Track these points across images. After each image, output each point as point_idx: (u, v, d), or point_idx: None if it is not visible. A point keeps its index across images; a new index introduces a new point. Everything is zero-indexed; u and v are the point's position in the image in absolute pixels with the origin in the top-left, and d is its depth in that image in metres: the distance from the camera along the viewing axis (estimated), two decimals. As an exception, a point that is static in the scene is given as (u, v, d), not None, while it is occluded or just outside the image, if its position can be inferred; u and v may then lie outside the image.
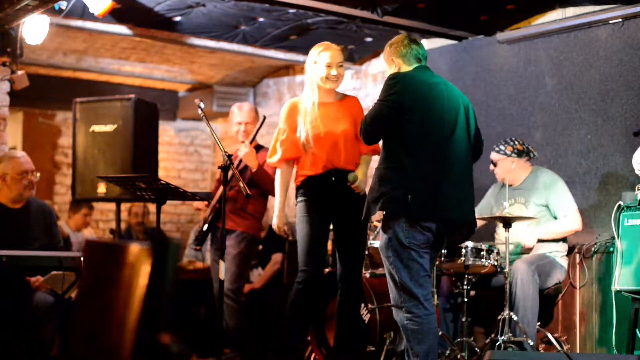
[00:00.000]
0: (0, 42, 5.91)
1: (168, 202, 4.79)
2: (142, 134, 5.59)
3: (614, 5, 5.46)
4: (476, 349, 5.11)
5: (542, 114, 5.92)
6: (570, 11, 5.77)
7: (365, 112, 4.22)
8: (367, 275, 5.33)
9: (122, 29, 6.47)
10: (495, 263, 5.08)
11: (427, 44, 6.55)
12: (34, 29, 5.70)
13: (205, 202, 5.46)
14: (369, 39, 6.80)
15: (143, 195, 4.71)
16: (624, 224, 4.82)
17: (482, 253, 5.04)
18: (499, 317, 4.90)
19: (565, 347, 5.15)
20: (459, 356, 4.98)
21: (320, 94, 4.62)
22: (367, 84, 7.42)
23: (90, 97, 5.79)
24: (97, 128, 5.62)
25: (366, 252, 5.07)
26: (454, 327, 5.39)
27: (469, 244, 5.00)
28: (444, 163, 4.00)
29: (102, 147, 5.58)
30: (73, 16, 5.99)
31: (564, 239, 5.28)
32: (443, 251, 4.96)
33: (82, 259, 3.95)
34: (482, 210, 5.47)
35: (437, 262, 4.88)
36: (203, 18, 6.26)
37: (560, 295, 5.48)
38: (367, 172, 4.63)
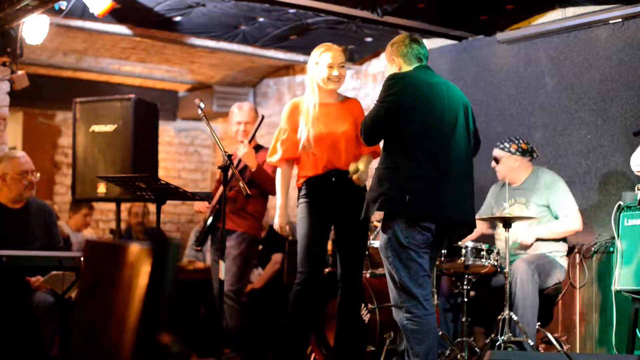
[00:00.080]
0: (0, 42, 5.91)
1: (168, 202, 4.80)
2: (142, 134, 5.59)
3: (614, 5, 5.46)
4: (476, 349, 5.11)
5: (542, 114, 5.92)
6: (570, 11, 5.77)
7: (366, 113, 4.22)
8: (367, 275, 5.33)
9: (122, 29, 6.47)
10: (495, 263, 5.08)
11: (427, 44, 6.48)
12: (34, 29, 5.70)
13: (207, 204, 5.46)
14: (369, 39, 6.80)
15: (143, 195, 4.71)
16: (624, 224, 4.82)
17: (482, 253, 5.04)
18: (499, 317, 4.90)
19: (565, 347, 5.15)
20: (459, 356, 4.98)
21: (321, 95, 4.61)
22: (367, 84, 7.42)
23: (90, 97, 5.79)
24: (97, 128, 5.62)
25: (366, 252, 5.07)
26: (454, 327, 5.39)
27: (469, 244, 5.01)
28: (443, 163, 3.99)
29: (102, 147, 5.58)
30: (73, 16, 5.99)
31: (564, 239, 5.28)
32: (443, 251, 4.96)
33: (82, 259, 3.95)
34: (483, 212, 5.48)
35: (437, 262, 4.88)
36: (203, 18, 6.26)
37: (560, 295, 5.48)
38: (368, 171, 4.63)
